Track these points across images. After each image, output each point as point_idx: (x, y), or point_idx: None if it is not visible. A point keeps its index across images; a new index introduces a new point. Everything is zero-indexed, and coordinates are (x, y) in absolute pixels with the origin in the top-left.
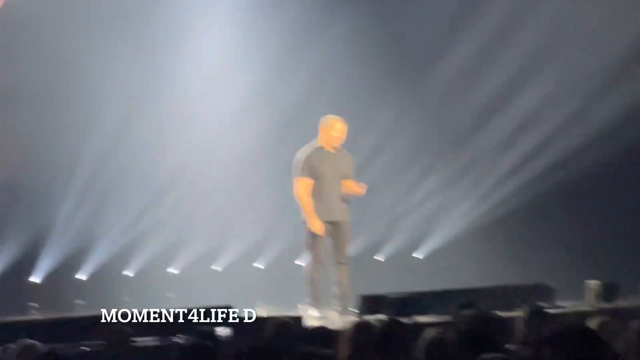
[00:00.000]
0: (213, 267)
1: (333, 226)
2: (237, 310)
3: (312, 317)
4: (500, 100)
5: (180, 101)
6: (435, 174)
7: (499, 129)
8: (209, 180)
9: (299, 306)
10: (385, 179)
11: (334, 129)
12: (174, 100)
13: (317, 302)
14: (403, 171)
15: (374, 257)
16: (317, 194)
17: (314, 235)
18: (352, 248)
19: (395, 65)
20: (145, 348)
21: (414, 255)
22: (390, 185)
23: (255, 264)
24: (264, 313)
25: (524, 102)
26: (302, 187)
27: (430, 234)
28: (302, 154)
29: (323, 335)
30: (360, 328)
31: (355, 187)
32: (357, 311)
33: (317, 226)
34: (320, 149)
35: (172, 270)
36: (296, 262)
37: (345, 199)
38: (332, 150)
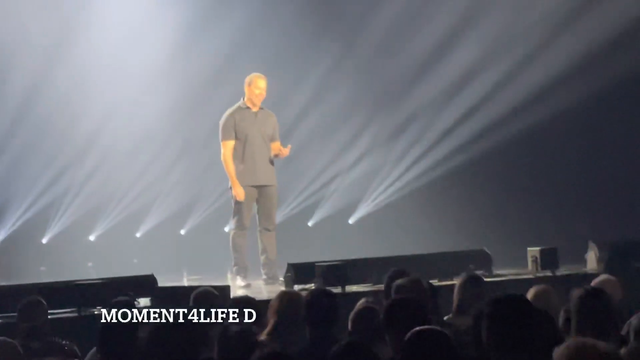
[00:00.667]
0: (136, 234)
1: (259, 190)
2: (158, 279)
3: (238, 286)
4: (436, 56)
5: (100, 57)
6: (367, 134)
7: (433, 87)
8: (129, 143)
9: (228, 275)
10: (316, 140)
11: (255, 86)
12: (93, 56)
13: (242, 270)
14: (334, 132)
15: (305, 223)
16: (241, 156)
17: (237, 201)
18: (280, 214)
19: (326, 20)
20: (61, 320)
21: (347, 221)
22: (320, 146)
23: (180, 231)
24: (188, 282)
25: (459, 57)
26: (228, 150)
27: (362, 198)
28: (225, 115)
29: (247, 305)
30: (287, 298)
31: (280, 149)
32: (284, 280)
33: (239, 192)
34: (244, 109)
35: (91, 237)
36: (224, 229)
37: (272, 162)
38: (255, 110)
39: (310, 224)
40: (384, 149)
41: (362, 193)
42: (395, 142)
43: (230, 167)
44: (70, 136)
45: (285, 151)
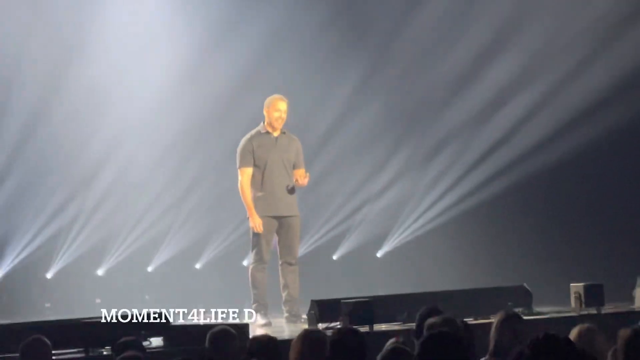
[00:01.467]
0: (148, 268)
1: (279, 222)
2: (171, 316)
3: (257, 325)
4: (472, 73)
5: (108, 78)
6: (397, 159)
7: (469, 107)
8: (140, 169)
9: (245, 312)
10: (341, 166)
11: (275, 109)
12: (101, 77)
13: (262, 307)
14: (361, 156)
15: (329, 257)
16: (260, 184)
17: (255, 232)
18: (303, 246)
19: (352, 34)
20: None
21: (375, 254)
22: (346, 172)
23: (196, 265)
24: (203, 320)
25: (498, 74)
26: (245, 178)
27: (391, 229)
28: (243, 140)
29: (267, 345)
30: (310, 337)
31: (299, 177)
32: (307, 318)
33: (256, 223)
34: (263, 133)
35: (99, 272)
36: (243, 263)
37: (294, 191)
38: (275, 135)
39: (335, 257)
40: (416, 175)
41: (391, 223)
42: (427, 167)
43: (247, 196)
44: (76, 163)
45: (303, 179)
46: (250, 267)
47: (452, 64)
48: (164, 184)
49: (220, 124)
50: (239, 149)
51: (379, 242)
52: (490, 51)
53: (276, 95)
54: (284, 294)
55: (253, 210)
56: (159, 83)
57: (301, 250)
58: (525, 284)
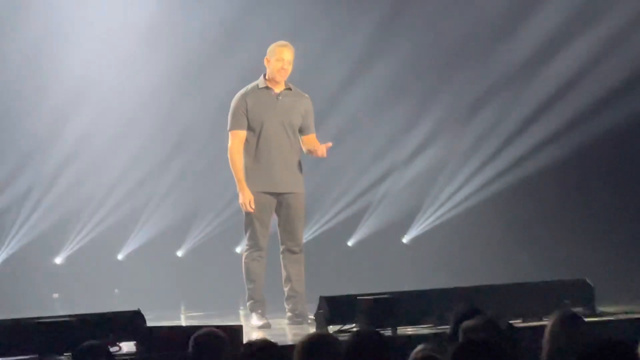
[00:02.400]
0: (118, 256)
1: (278, 199)
2: (148, 317)
3: (253, 326)
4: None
5: (70, 23)
6: (428, 117)
7: (520, 48)
8: (107, 132)
9: (239, 311)
10: (357, 128)
11: (277, 58)
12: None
13: (259, 305)
14: (382, 116)
15: (343, 243)
16: (254, 152)
17: (247, 212)
18: (309, 230)
19: None
20: None
21: (400, 240)
22: (364, 136)
23: (177, 252)
24: (185, 320)
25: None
26: (236, 143)
27: (420, 208)
28: (236, 97)
29: (265, 352)
30: (318, 343)
31: (315, 145)
32: (315, 319)
33: (246, 199)
34: (261, 89)
35: (57, 260)
36: (236, 250)
37: (298, 163)
38: (277, 91)
39: (350, 243)
40: (450, 139)
41: (419, 201)
42: (464, 129)
43: (237, 165)
44: (29, 122)
45: (322, 149)
46: (244, 255)
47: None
48: (137, 150)
49: (206, 77)
50: (231, 107)
51: (404, 225)
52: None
53: (280, 42)
54: (286, 289)
55: (243, 184)
56: (131, 26)
57: (307, 234)
58: (586, 278)
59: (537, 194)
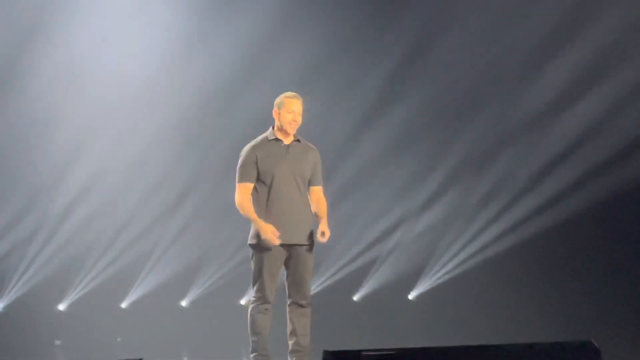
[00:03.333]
0: (121, 304)
1: (289, 251)
2: None
3: None
4: (536, 67)
5: (78, 68)
6: (439, 171)
7: (533, 102)
8: (113, 180)
9: None
10: (365, 181)
11: (287, 109)
12: (68, 67)
13: (262, 358)
14: (390, 168)
15: (348, 297)
16: (265, 203)
17: (260, 263)
18: (314, 283)
19: (385, 14)
20: None
21: (406, 296)
22: (372, 189)
23: (181, 302)
24: None
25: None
26: (243, 196)
27: (427, 264)
28: (246, 149)
29: None
30: None
31: (320, 234)
32: None
33: (267, 233)
34: (271, 140)
35: (60, 307)
36: (240, 302)
37: (308, 213)
38: (287, 142)
39: (355, 298)
40: (461, 192)
41: (426, 257)
42: (476, 182)
43: (248, 208)
44: (31, 171)
45: (323, 237)
46: (250, 307)
47: (513, 48)
48: (142, 199)
49: (214, 125)
50: (240, 160)
51: (411, 281)
52: (559, 37)
53: (288, 93)
54: (290, 342)
55: (260, 220)
56: (139, 75)
57: (313, 287)
58: (592, 340)
59: (544, 254)
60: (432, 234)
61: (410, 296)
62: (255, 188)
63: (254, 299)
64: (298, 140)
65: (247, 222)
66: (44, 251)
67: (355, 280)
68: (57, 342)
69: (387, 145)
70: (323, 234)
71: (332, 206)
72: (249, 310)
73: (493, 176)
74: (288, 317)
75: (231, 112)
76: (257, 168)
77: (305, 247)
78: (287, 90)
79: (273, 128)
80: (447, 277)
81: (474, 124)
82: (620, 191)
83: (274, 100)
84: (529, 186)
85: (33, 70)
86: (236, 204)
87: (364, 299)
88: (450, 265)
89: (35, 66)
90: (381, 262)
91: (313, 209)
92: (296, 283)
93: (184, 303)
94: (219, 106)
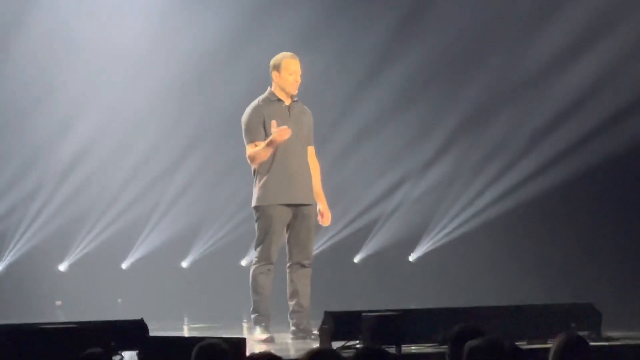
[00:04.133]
0: (122, 265)
1: (294, 212)
2: (150, 327)
3: (256, 340)
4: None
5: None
6: (441, 128)
7: (539, 61)
8: (113, 139)
9: (244, 324)
10: (366, 138)
11: (288, 70)
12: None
13: (263, 318)
14: (392, 129)
15: (349, 259)
16: (269, 165)
17: (266, 225)
18: (314, 245)
19: None
20: None
21: (406, 258)
22: (372, 150)
23: (182, 263)
24: (190, 332)
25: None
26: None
27: (428, 226)
28: (249, 110)
29: None
30: (323, 359)
31: (321, 216)
32: (319, 334)
33: (276, 136)
34: (273, 101)
35: (60, 267)
36: (241, 262)
37: (310, 175)
38: (287, 103)
39: (356, 259)
40: (459, 154)
41: (427, 219)
42: (474, 144)
43: (258, 151)
44: (32, 130)
45: (325, 220)
46: (253, 267)
47: (514, 3)
48: (142, 158)
49: (214, 86)
50: (245, 121)
51: (412, 242)
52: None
53: (286, 54)
54: (291, 304)
55: (268, 141)
56: (137, 28)
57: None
58: (593, 302)
59: (546, 215)
60: (432, 196)
61: (411, 258)
62: None
63: (256, 259)
64: (296, 101)
65: (249, 181)
66: (44, 212)
67: (355, 242)
68: (58, 303)
69: (383, 110)
70: (322, 215)
71: (331, 167)
72: (251, 270)
73: (493, 136)
74: (289, 278)
75: (230, 73)
76: (264, 127)
77: (310, 207)
78: (284, 50)
79: (271, 88)
80: (447, 239)
81: (474, 82)
82: (622, 150)
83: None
84: (529, 147)
85: (33, 28)
86: (249, 160)
87: (365, 261)
88: (450, 227)
89: (34, 24)
90: (381, 225)
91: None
92: (300, 243)
93: (184, 264)
94: (218, 66)
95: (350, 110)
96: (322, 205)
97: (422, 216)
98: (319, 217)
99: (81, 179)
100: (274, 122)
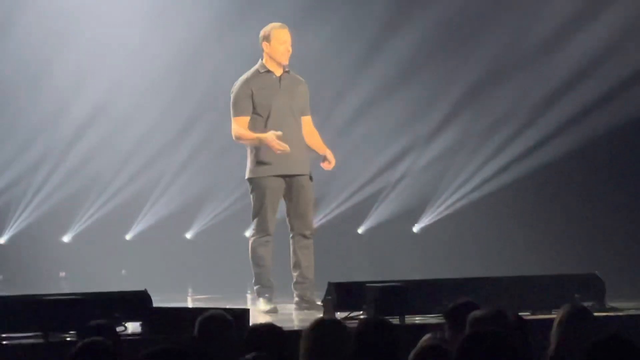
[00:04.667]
0: (126, 236)
1: (288, 183)
2: (154, 298)
3: (259, 311)
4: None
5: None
6: (445, 102)
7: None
8: (116, 112)
9: (248, 295)
10: (370, 109)
11: (278, 40)
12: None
13: (266, 290)
14: (397, 94)
15: (353, 230)
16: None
17: (260, 196)
18: (318, 216)
19: None
20: (22, 348)
21: (411, 228)
22: (377, 117)
23: (185, 234)
24: (193, 303)
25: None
26: (241, 127)
27: (433, 197)
28: (238, 83)
29: (271, 337)
30: (326, 329)
31: (321, 145)
32: (323, 305)
33: (268, 138)
34: (263, 73)
35: (65, 238)
36: (245, 233)
37: (304, 144)
38: (278, 74)
39: (360, 230)
40: (463, 126)
41: (431, 190)
42: (478, 116)
43: (245, 134)
44: (36, 101)
45: (329, 164)
46: (251, 239)
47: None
48: (146, 130)
49: (217, 59)
50: (233, 94)
51: (415, 214)
52: None
53: (275, 24)
54: (295, 274)
55: (259, 135)
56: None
57: (317, 221)
58: (597, 272)
59: (550, 186)
60: (436, 167)
61: (415, 229)
62: (251, 121)
63: (254, 231)
64: (287, 71)
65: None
66: (48, 183)
67: (359, 213)
68: (62, 274)
69: (386, 82)
70: (328, 161)
71: (336, 139)
72: (250, 243)
73: (493, 110)
74: (291, 249)
75: (231, 47)
76: (253, 101)
77: (305, 177)
78: (293, 19)
79: (262, 60)
80: (450, 210)
81: (473, 59)
82: (627, 121)
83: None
84: (529, 121)
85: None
86: (233, 137)
87: (368, 232)
88: (453, 199)
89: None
90: (385, 196)
91: (307, 140)
92: (299, 214)
93: (188, 235)
94: (219, 42)
95: (353, 83)
96: (326, 152)
97: (426, 187)
98: (325, 164)
99: (85, 151)
100: (279, 134)
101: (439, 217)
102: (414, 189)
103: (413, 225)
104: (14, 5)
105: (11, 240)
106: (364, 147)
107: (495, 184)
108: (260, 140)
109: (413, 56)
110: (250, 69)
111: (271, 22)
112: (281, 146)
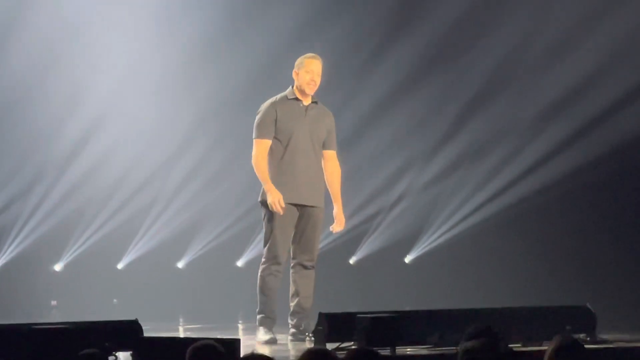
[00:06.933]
0: (117, 265)
1: (301, 212)
2: (145, 327)
3: (259, 340)
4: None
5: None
6: (449, 145)
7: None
8: (109, 138)
9: (239, 325)
10: (364, 152)
11: (306, 69)
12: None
13: (268, 320)
14: (392, 151)
15: (345, 260)
16: (278, 161)
17: (272, 222)
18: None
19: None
20: None
21: (402, 259)
22: (378, 167)
23: (177, 264)
24: (185, 333)
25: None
26: (261, 151)
27: (424, 228)
28: (265, 106)
29: None
30: (318, 359)
31: (335, 224)
32: (314, 335)
33: (274, 199)
34: (290, 100)
35: (56, 267)
36: (237, 263)
37: (321, 176)
38: (305, 103)
39: (352, 261)
40: (453, 156)
41: (422, 221)
42: (483, 152)
43: (262, 168)
44: (28, 125)
45: (338, 226)
46: (261, 267)
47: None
48: (138, 158)
49: (209, 83)
50: (258, 116)
51: (406, 245)
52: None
53: (308, 54)
54: (292, 304)
55: (271, 184)
56: (131, 30)
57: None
58: (588, 304)
59: (542, 218)
60: (426, 201)
61: (407, 260)
62: (270, 146)
63: (264, 259)
64: (315, 102)
65: (244, 183)
66: (39, 211)
67: (352, 244)
68: (53, 303)
69: (378, 109)
70: (335, 220)
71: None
72: (260, 271)
73: (484, 134)
74: (291, 278)
75: (223, 72)
76: (276, 125)
77: (317, 209)
78: (290, 38)
79: (292, 87)
80: (441, 240)
81: (463, 83)
82: (616, 149)
83: (275, 47)
84: (521, 144)
85: (32, 22)
86: (252, 160)
87: (360, 262)
88: (444, 228)
89: (33, 19)
90: (378, 226)
91: (327, 176)
92: (304, 244)
93: (180, 265)
94: (212, 64)
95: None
96: (337, 208)
97: (417, 219)
98: (334, 226)
99: (75, 179)
100: (283, 205)
101: (429, 248)
102: (405, 221)
103: (404, 256)
104: (9, 24)
105: (2, 268)
106: (354, 180)
107: (483, 216)
108: (267, 189)
109: (397, 88)
110: (243, 93)
111: (274, 32)
112: (277, 208)
